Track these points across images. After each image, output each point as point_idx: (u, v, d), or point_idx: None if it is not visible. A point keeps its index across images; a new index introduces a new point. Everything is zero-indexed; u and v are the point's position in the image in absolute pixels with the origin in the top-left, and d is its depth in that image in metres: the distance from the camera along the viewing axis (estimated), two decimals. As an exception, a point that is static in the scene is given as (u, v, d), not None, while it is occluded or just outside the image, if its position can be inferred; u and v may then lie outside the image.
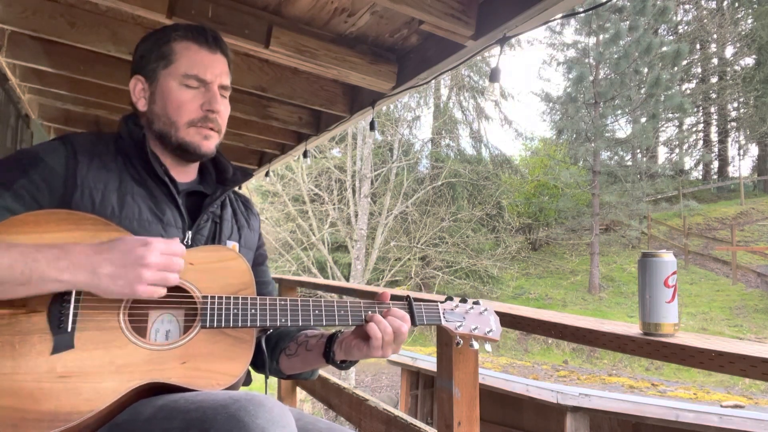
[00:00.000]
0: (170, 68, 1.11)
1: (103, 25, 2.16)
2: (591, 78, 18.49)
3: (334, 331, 1.20)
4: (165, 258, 0.92)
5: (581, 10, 1.69)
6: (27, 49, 2.42)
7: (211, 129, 1.13)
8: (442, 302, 1.20)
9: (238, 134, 3.54)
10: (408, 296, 1.17)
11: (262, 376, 1.24)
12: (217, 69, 1.13)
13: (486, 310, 1.23)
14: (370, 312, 1.09)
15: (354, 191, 14.82)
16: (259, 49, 2.06)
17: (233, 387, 1.01)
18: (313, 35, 2.10)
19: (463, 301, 1.23)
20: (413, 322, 1.12)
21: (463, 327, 1.18)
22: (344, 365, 1.16)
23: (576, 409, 6.24)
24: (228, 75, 1.18)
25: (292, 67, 2.54)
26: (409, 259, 15.47)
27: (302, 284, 3.38)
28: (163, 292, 0.93)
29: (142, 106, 1.14)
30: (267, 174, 4.30)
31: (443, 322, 1.17)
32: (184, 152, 1.13)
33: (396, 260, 15.46)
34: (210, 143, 1.14)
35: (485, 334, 1.19)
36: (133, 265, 0.89)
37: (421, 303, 1.16)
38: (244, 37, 1.97)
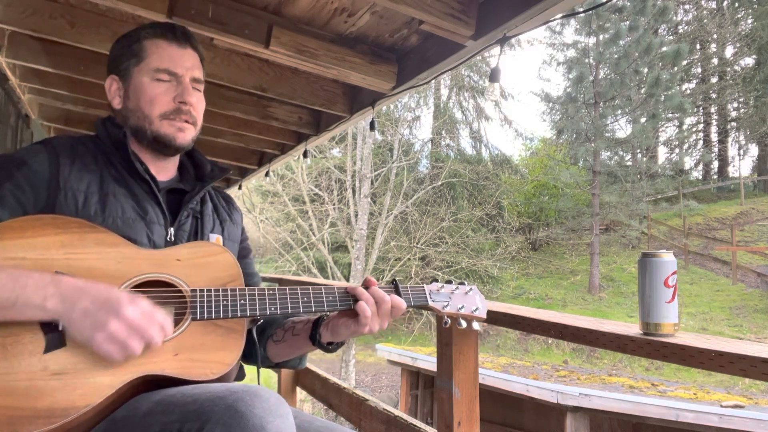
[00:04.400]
0: (141, 65, 1.14)
1: (103, 25, 2.15)
2: (591, 78, 18.48)
3: (319, 314, 1.21)
4: (142, 319, 0.88)
5: (581, 10, 1.69)
6: (27, 49, 2.42)
7: (186, 121, 1.15)
8: (428, 284, 1.23)
9: (238, 134, 3.54)
10: (394, 280, 1.20)
11: (255, 372, 1.25)
12: (187, 63, 1.16)
13: (471, 289, 1.25)
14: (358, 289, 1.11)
15: (354, 191, 14.82)
16: (259, 49, 2.06)
17: (226, 377, 1.02)
18: (313, 35, 2.10)
19: (449, 282, 1.25)
20: None
21: (449, 306, 1.21)
22: (330, 347, 1.18)
23: (576, 409, 6.24)
24: (200, 69, 1.20)
25: (292, 67, 2.54)
26: (409, 259, 15.46)
27: (302, 284, 3.37)
28: (118, 357, 0.88)
29: (117, 104, 1.17)
30: (267, 174, 4.30)
31: (430, 302, 1.20)
32: (160, 145, 1.14)
33: (396, 260, 15.46)
34: (185, 135, 1.15)
35: (472, 312, 1.21)
36: (107, 310, 0.87)
37: (408, 286, 1.19)
38: (244, 37, 1.97)
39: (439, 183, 16.78)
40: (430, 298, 1.20)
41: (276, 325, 1.25)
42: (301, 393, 3.30)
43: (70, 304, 0.87)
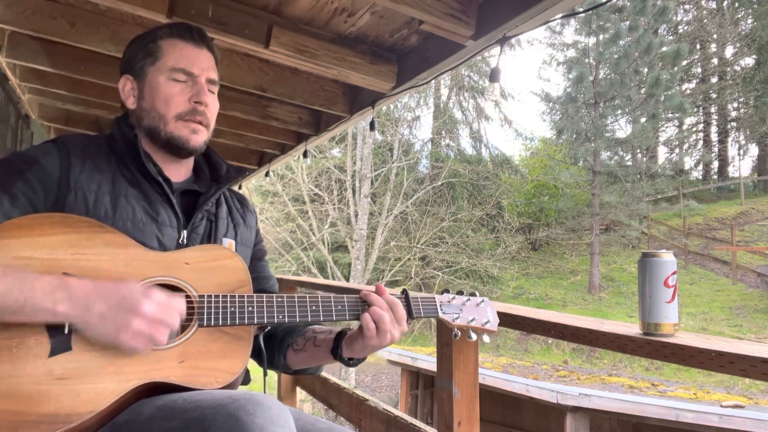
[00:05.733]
0: (158, 64, 1.13)
1: (103, 25, 2.15)
2: (591, 78, 18.48)
3: (342, 328, 1.20)
4: (161, 310, 0.89)
5: (581, 10, 1.69)
6: (27, 49, 2.42)
7: (200, 123, 1.14)
8: (439, 295, 1.21)
9: (238, 134, 3.54)
10: (404, 290, 1.18)
11: (261, 376, 1.24)
12: (203, 63, 1.15)
13: (483, 301, 1.23)
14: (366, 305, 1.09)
15: (354, 191, 14.82)
16: (259, 49, 2.06)
17: (232, 385, 1.01)
18: (313, 35, 2.10)
19: (460, 293, 1.23)
20: (410, 315, 1.13)
21: (460, 319, 1.18)
22: (352, 362, 1.17)
23: (576, 409, 6.24)
24: (215, 71, 1.19)
25: (292, 67, 2.54)
26: (409, 259, 15.47)
27: (302, 284, 3.38)
28: (147, 348, 0.90)
29: (131, 104, 1.16)
30: (267, 174, 4.30)
31: (440, 314, 1.17)
32: (173, 147, 1.13)
33: (396, 260, 15.46)
34: (198, 137, 1.14)
35: (482, 325, 1.19)
36: (125, 311, 0.87)
37: (418, 296, 1.17)
38: (244, 37, 1.97)
39: (439, 183, 16.79)
40: (441, 309, 1.18)
41: (296, 333, 1.23)
42: (301, 393, 3.31)
43: (83, 308, 0.87)
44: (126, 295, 0.89)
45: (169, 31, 1.15)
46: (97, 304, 0.88)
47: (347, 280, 14.81)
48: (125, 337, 0.87)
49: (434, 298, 1.19)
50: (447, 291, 1.23)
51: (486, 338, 1.22)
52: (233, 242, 1.20)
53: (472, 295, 1.23)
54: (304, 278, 4.73)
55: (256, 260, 1.28)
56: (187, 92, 1.12)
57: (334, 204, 14.82)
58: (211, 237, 1.16)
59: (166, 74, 1.12)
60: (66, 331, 0.89)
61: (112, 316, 0.87)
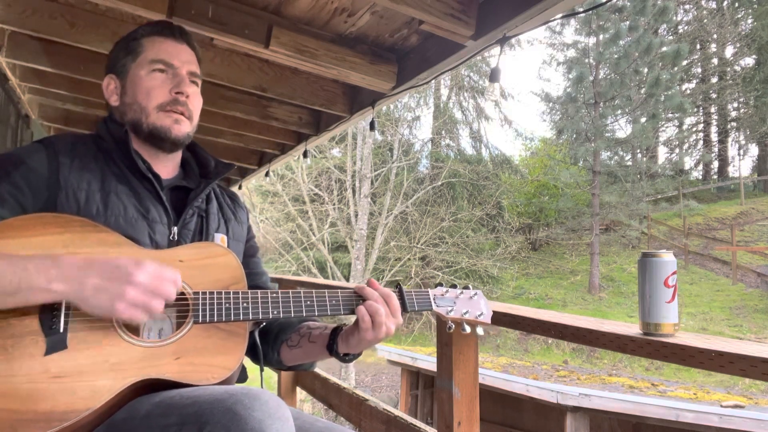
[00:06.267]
0: (138, 59, 1.14)
1: (103, 25, 2.16)
2: (591, 78, 18.48)
3: (337, 324, 1.20)
4: (154, 280, 0.90)
5: (581, 10, 1.69)
6: (27, 49, 2.42)
7: (182, 114, 1.14)
8: (432, 289, 1.22)
9: (238, 134, 3.54)
10: (398, 284, 1.19)
11: (258, 373, 1.24)
12: (183, 57, 1.16)
13: (476, 294, 1.24)
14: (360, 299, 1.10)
15: (354, 191, 14.83)
16: (259, 49, 2.06)
17: (228, 381, 1.01)
18: (313, 35, 2.10)
19: (453, 286, 1.24)
20: (405, 309, 1.14)
21: (454, 312, 1.19)
22: (347, 358, 1.17)
23: (576, 409, 6.24)
24: (197, 65, 1.20)
25: (292, 67, 2.54)
26: (409, 259, 15.47)
27: (302, 284, 3.38)
28: (143, 318, 0.90)
29: (114, 101, 1.17)
30: (267, 174, 4.30)
31: (434, 307, 1.18)
32: (156, 138, 1.13)
33: (396, 260, 15.46)
34: (181, 127, 1.14)
35: (476, 317, 1.21)
36: (119, 280, 0.88)
37: (412, 290, 1.18)
38: (244, 37, 1.97)
39: (439, 183, 16.79)
40: (435, 302, 1.19)
41: (291, 329, 1.23)
42: (301, 393, 3.31)
43: (78, 284, 0.87)
44: (119, 266, 0.89)
45: (150, 29, 1.17)
46: (90, 277, 0.88)
47: (347, 280, 14.82)
48: (121, 307, 0.87)
49: (428, 291, 1.20)
50: (440, 284, 1.24)
51: (480, 330, 1.23)
52: (225, 237, 1.20)
53: (465, 288, 1.25)
54: (304, 278, 4.73)
55: (248, 257, 1.29)
56: (167, 83, 1.13)
57: (334, 204, 14.82)
58: (202, 233, 1.16)
59: (147, 68, 1.13)
60: (61, 330, 0.90)
61: (106, 287, 0.87)
